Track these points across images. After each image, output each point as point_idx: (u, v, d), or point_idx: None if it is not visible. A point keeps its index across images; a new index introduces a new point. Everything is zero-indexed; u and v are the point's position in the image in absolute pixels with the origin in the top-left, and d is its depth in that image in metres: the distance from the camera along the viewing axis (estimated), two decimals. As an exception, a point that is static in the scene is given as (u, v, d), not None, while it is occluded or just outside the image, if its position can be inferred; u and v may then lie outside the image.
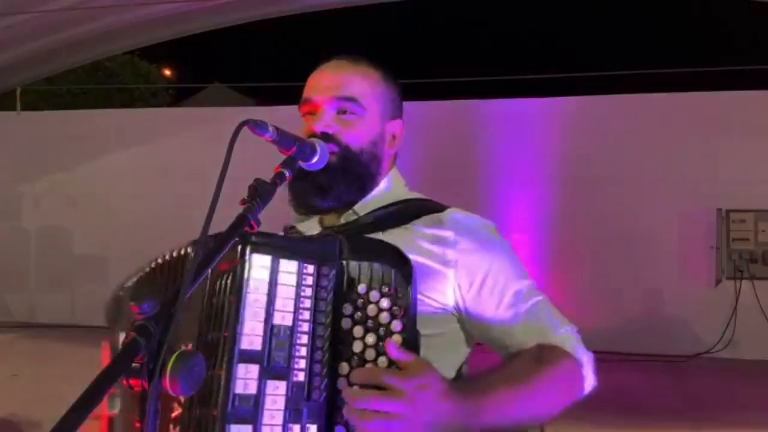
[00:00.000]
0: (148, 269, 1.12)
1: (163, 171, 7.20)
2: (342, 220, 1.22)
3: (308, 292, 0.97)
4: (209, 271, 0.88)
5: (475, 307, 1.13)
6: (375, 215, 1.20)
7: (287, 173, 1.03)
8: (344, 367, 0.96)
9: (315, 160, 1.10)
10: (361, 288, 0.99)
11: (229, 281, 0.93)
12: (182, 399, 0.91)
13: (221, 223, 0.93)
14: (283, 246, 0.98)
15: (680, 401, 4.84)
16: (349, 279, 0.99)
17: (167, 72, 20.46)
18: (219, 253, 0.86)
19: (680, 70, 7.38)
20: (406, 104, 1.33)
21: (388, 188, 1.25)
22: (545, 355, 1.09)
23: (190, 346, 0.93)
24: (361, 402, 0.90)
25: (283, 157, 1.07)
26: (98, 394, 0.69)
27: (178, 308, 0.76)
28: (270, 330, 0.93)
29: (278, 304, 0.94)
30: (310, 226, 1.27)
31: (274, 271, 0.95)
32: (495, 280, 1.14)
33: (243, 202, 0.93)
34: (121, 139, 7.61)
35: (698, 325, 6.19)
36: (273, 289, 0.94)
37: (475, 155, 6.66)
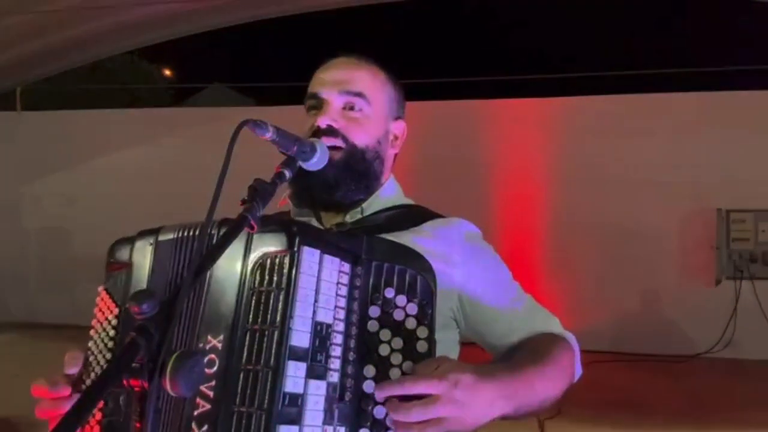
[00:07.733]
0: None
1: (163, 171, 7.19)
2: (348, 218, 1.21)
3: (343, 291, 0.95)
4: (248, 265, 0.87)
5: (480, 299, 1.17)
6: (385, 216, 1.21)
7: (287, 173, 1.03)
8: (370, 369, 0.95)
9: (315, 160, 1.10)
10: (389, 292, 0.98)
11: (275, 271, 0.90)
12: (210, 395, 0.87)
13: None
14: (325, 240, 0.95)
15: (680, 401, 4.84)
16: (377, 281, 0.98)
17: (167, 72, 20.47)
18: (220, 251, 0.86)
19: (680, 70, 7.37)
20: (407, 104, 1.32)
21: (392, 190, 1.27)
22: (553, 340, 1.17)
23: (222, 337, 0.89)
24: (407, 415, 0.91)
25: (283, 157, 1.07)
26: (99, 394, 0.69)
27: (179, 308, 0.76)
28: (314, 327, 0.90)
29: (321, 300, 0.92)
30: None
31: (320, 267, 0.92)
32: (497, 278, 1.21)
33: (243, 202, 0.92)
34: (121, 139, 7.60)
35: (698, 325, 6.18)
36: (318, 285, 0.92)
37: (476, 155, 6.66)
